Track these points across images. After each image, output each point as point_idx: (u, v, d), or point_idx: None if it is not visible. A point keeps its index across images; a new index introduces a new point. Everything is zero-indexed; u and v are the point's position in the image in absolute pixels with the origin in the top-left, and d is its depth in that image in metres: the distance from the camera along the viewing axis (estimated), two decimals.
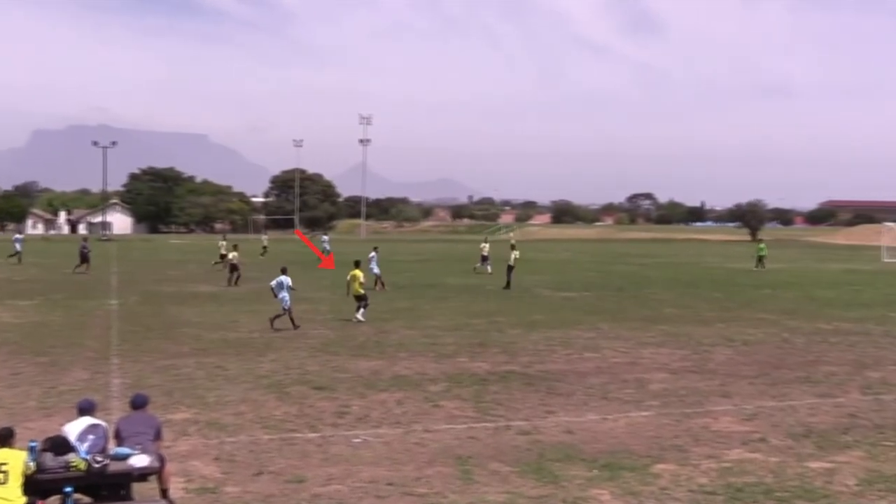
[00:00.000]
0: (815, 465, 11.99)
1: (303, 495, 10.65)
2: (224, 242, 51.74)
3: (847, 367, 19.55)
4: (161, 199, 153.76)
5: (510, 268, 38.85)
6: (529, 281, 41.99)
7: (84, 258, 45.56)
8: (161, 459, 10.01)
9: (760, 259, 55.47)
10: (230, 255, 40.58)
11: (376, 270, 37.03)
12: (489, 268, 46.21)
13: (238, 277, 38.60)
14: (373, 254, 38.20)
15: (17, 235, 59.69)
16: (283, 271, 26.15)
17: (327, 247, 61.09)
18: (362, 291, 27.01)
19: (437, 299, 33.38)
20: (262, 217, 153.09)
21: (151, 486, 10.13)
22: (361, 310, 26.59)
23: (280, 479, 11.25)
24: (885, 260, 65.14)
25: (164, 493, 10.12)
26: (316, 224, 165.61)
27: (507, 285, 37.91)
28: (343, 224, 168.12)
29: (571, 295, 35.88)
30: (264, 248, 62.87)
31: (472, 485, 11.06)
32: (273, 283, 26.02)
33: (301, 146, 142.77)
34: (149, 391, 13.97)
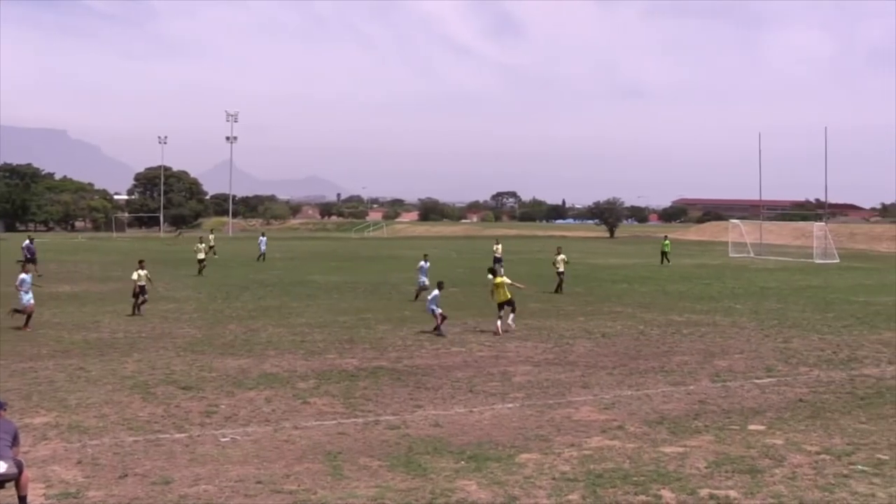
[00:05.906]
0: (668, 449, 12.42)
1: (170, 497, 10.36)
2: (202, 245, 46.37)
3: (697, 357, 20.31)
4: (18, 196, 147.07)
5: (560, 273, 36.94)
6: (397, 278, 42.11)
7: (30, 259, 43.37)
8: (19, 465, 9.59)
9: (665, 254, 56.23)
10: (134, 275, 28.51)
11: None
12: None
13: (143, 302, 28.16)
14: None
15: None
16: (425, 258, 33.11)
17: (264, 248, 57.99)
18: None
19: (306, 297, 33.04)
20: (125, 215, 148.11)
21: (9, 493, 9.68)
22: None
23: (146, 482, 10.91)
24: (731, 255, 68.17)
25: (22, 500, 9.70)
26: (181, 222, 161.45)
27: (559, 289, 36.01)
28: (210, 222, 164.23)
29: None
30: (211, 247, 57.70)
31: (341, 480, 11.00)
32: (417, 270, 31.81)
33: (166, 143, 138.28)
34: (5, 395, 13.39)
